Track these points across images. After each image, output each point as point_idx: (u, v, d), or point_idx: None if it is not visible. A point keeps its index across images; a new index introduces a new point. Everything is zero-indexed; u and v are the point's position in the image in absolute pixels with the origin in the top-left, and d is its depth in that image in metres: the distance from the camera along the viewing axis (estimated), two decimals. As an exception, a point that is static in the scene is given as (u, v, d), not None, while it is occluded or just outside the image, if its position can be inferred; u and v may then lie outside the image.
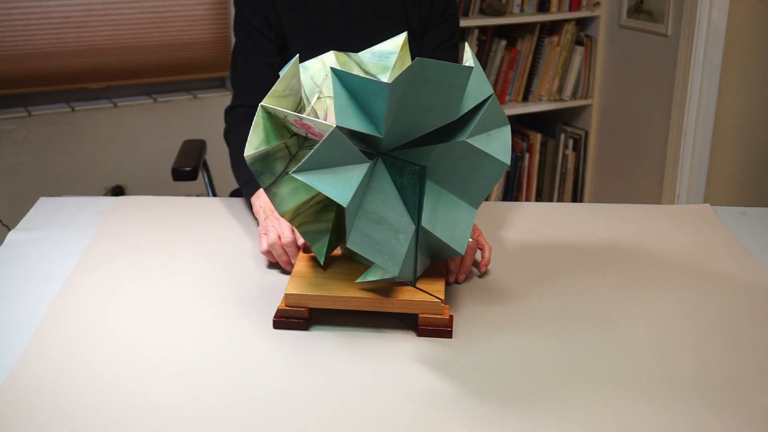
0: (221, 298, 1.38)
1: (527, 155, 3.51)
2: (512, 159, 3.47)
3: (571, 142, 3.54)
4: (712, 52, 3.02)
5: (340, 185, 1.15)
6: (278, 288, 1.41)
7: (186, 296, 1.38)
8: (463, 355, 1.22)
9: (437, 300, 1.26)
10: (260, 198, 1.58)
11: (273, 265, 1.49)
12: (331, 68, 1.16)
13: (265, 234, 1.46)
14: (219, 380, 1.15)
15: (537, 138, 3.51)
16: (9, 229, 1.78)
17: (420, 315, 1.26)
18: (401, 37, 1.32)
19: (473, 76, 1.23)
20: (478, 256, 1.50)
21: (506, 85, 3.37)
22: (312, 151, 1.13)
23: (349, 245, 1.20)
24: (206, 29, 3.23)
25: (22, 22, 2.95)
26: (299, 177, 1.14)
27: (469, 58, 1.25)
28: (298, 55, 1.29)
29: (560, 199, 3.59)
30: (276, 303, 1.35)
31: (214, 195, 2.27)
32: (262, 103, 1.25)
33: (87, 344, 1.23)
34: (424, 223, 1.26)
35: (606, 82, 3.43)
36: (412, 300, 1.27)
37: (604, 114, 3.47)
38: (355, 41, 1.70)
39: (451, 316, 1.29)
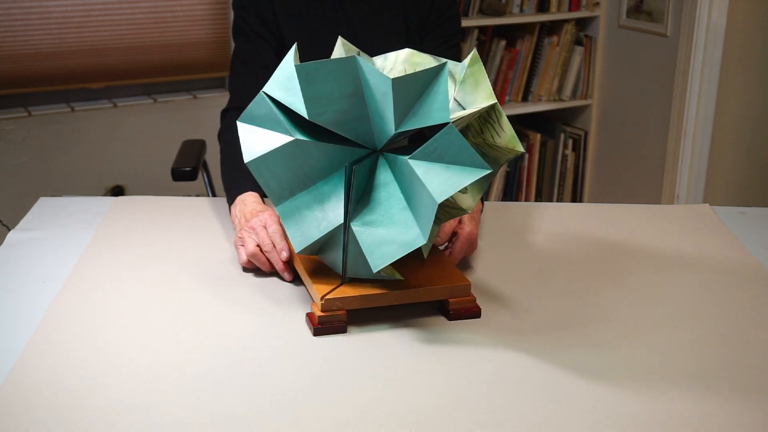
0: (221, 298, 1.38)
1: (527, 155, 3.51)
2: (512, 159, 3.46)
3: (570, 142, 3.54)
4: (711, 51, 3.02)
5: (252, 143, 1.28)
6: (278, 288, 1.41)
7: (186, 296, 1.38)
8: (454, 355, 1.22)
9: (320, 302, 1.27)
10: (237, 206, 1.56)
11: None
12: (296, 44, 1.30)
13: (242, 245, 1.45)
14: (219, 380, 1.15)
15: (537, 138, 3.51)
16: (9, 229, 1.78)
17: (320, 314, 1.28)
18: (471, 54, 1.28)
19: (433, 97, 1.19)
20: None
21: (506, 85, 3.37)
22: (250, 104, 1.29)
23: (277, 208, 1.31)
24: (206, 29, 3.23)
25: (22, 22, 2.95)
26: (238, 122, 1.30)
27: (442, 82, 1.19)
28: (296, 43, 1.31)
29: (560, 199, 3.59)
30: (276, 303, 1.36)
31: (214, 195, 2.27)
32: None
33: (87, 344, 1.23)
34: (354, 224, 1.26)
35: (606, 82, 3.43)
36: (311, 287, 1.32)
37: (604, 114, 3.47)
38: (353, 44, 1.69)
39: (340, 324, 1.27)
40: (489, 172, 1.16)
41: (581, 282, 1.45)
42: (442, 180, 1.17)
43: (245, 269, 1.47)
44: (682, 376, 1.18)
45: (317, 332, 1.26)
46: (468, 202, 1.32)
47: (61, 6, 2.99)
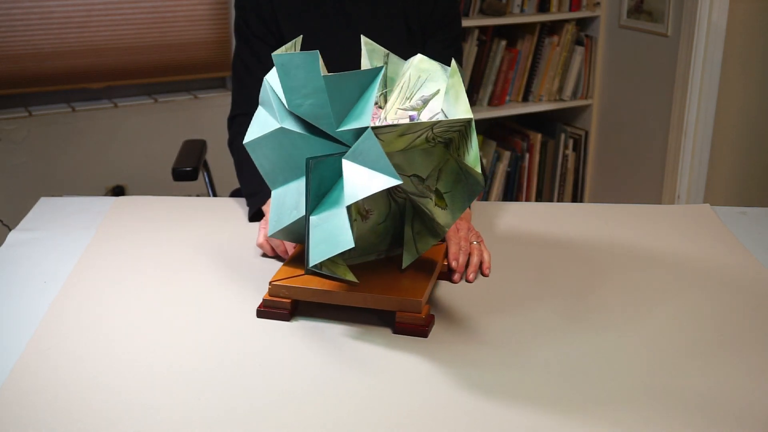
0: (221, 298, 1.38)
1: (527, 155, 3.51)
2: (512, 159, 3.47)
3: (571, 142, 3.54)
4: (712, 52, 3.02)
5: (254, 125, 1.34)
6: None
7: (186, 296, 1.38)
8: (457, 354, 1.22)
9: (275, 282, 1.31)
10: (269, 206, 1.59)
11: (273, 264, 1.49)
12: (301, 36, 1.36)
13: (264, 228, 1.52)
14: (219, 380, 1.15)
15: (537, 138, 3.51)
16: (9, 229, 1.78)
17: (265, 297, 1.32)
18: (451, 65, 1.27)
19: (361, 102, 1.20)
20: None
21: (506, 85, 3.37)
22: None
23: (272, 189, 1.36)
24: (207, 29, 3.23)
25: (23, 22, 2.95)
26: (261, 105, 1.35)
27: (373, 86, 1.20)
28: (301, 36, 1.34)
29: (560, 199, 3.59)
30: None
31: (215, 195, 2.27)
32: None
33: (87, 344, 1.23)
34: (313, 217, 1.28)
35: (606, 82, 3.43)
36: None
37: (604, 114, 3.47)
38: (355, 45, 1.69)
39: (283, 312, 1.30)
40: (399, 183, 1.14)
41: (580, 282, 1.45)
42: (355, 183, 1.17)
43: (265, 255, 1.51)
44: (680, 375, 1.18)
45: (259, 314, 1.32)
46: (445, 218, 1.31)
47: (62, 6, 2.99)
